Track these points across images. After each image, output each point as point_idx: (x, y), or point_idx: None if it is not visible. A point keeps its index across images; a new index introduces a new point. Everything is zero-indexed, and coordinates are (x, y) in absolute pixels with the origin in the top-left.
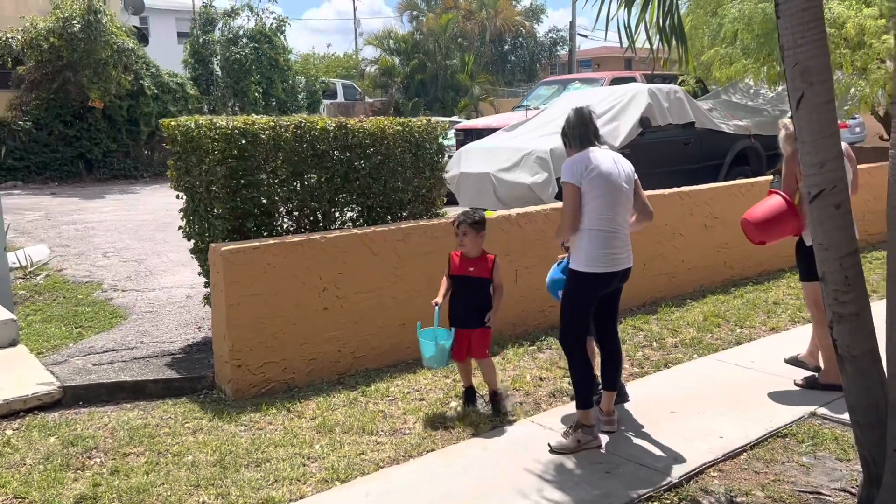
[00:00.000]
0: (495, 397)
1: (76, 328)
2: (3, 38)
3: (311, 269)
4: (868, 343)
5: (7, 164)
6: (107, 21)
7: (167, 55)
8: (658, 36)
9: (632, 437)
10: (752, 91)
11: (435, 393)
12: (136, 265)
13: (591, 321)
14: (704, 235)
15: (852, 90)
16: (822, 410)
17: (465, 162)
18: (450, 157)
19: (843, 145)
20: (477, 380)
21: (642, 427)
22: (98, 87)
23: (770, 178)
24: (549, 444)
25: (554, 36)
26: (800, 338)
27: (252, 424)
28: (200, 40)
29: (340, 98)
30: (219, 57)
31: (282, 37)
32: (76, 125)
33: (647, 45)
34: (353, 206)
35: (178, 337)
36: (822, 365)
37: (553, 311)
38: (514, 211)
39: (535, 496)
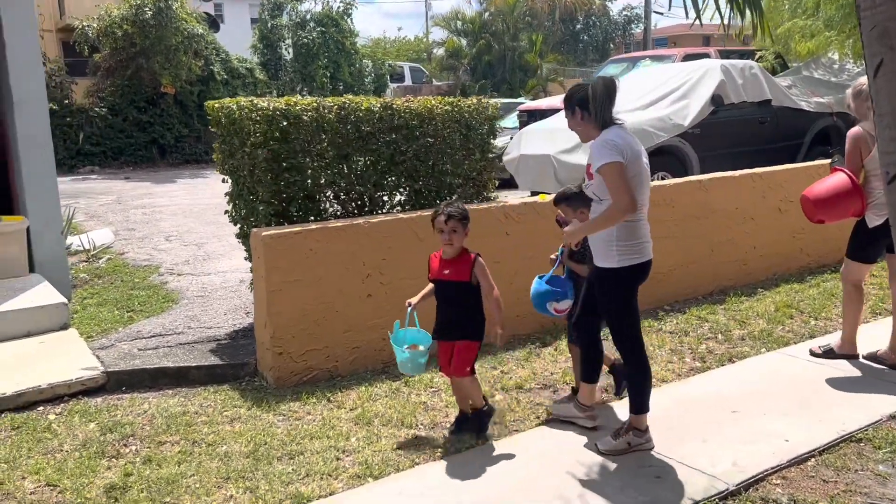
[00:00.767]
0: (478, 414)
1: (127, 312)
2: (81, 27)
3: (355, 255)
4: None
5: (85, 149)
6: (177, 7)
7: (241, 41)
8: (730, 6)
9: (687, 439)
10: (835, 66)
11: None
12: (196, 249)
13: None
14: (778, 220)
15: None
16: None
17: (525, 144)
18: (510, 139)
19: None
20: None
21: (699, 427)
22: (169, 72)
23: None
24: (596, 445)
25: (628, 14)
26: (880, 332)
27: (290, 414)
28: (269, 25)
29: (408, 81)
30: (287, 41)
31: (348, 20)
32: (149, 111)
33: (718, 19)
34: (401, 189)
35: (225, 322)
36: None
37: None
38: None
39: (577, 501)
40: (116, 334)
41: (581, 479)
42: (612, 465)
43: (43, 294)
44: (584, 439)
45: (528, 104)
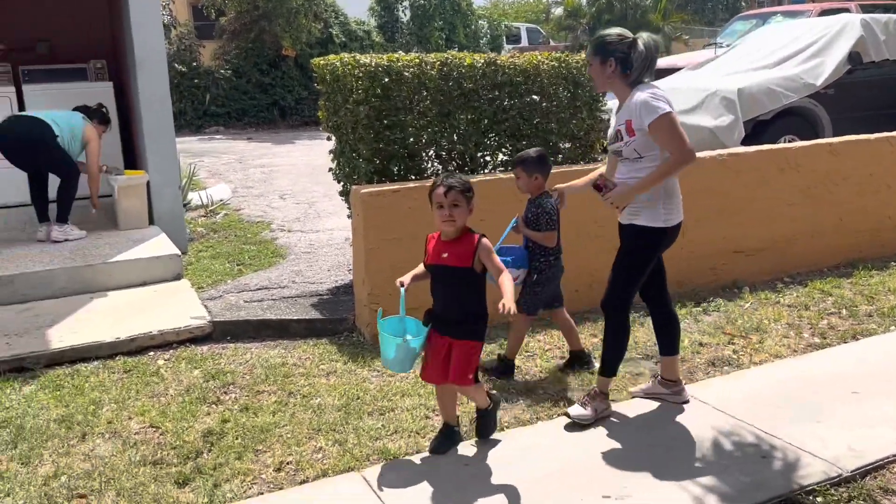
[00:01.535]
0: (483, 414)
1: (237, 265)
2: None
3: None
4: None
5: (210, 110)
6: None
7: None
8: None
9: (799, 419)
10: None
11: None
12: (307, 207)
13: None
14: None
15: None
16: None
17: None
18: None
19: None
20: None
21: (813, 407)
22: (290, 35)
23: None
24: (567, 414)
25: None
26: None
27: (382, 372)
28: None
29: (524, 42)
30: (404, 3)
31: None
32: (271, 73)
33: None
34: (503, 149)
35: (328, 278)
36: None
37: (725, 269)
38: None
39: (670, 477)
40: (225, 286)
41: (681, 454)
42: (712, 442)
43: (159, 245)
44: (684, 412)
45: None
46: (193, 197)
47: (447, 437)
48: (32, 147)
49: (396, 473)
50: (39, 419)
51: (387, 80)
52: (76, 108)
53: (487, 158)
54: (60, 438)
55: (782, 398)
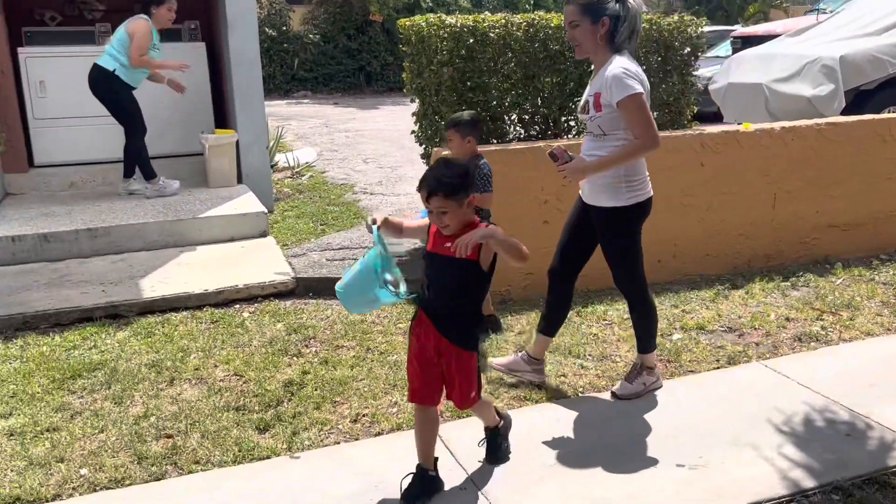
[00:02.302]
0: (493, 436)
1: (321, 225)
2: None
3: (533, 179)
4: None
5: (299, 74)
6: None
7: None
8: None
9: (889, 398)
10: None
11: (658, 322)
12: (389, 171)
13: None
14: None
15: None
16: None
17: (735, 71)
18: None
19: None
20: (470, 428)
21: None
22: (377, 0)
23: None
24: (612, 392)
25: None
26: None
27: None
28: None
29: None
30: None
31: None
32: (358, 38)
33: None
34: None
35: (406, 240)
36: None
37: (817, 243)
38: (778, 124)
39: (748, 449)
40: (308, 244)
41: (760, 427)
42: (795, 417)
43: (247, 203)
44: (776, 387)
45: (744, 29)
46: (280, 159)
47: (423, 484)
48: (96, 95)
49: (466, 430)
50: (131, 363)
51: (472, 40)
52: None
53: (572, 123)
54: (150, 382)
55: (873, 377)
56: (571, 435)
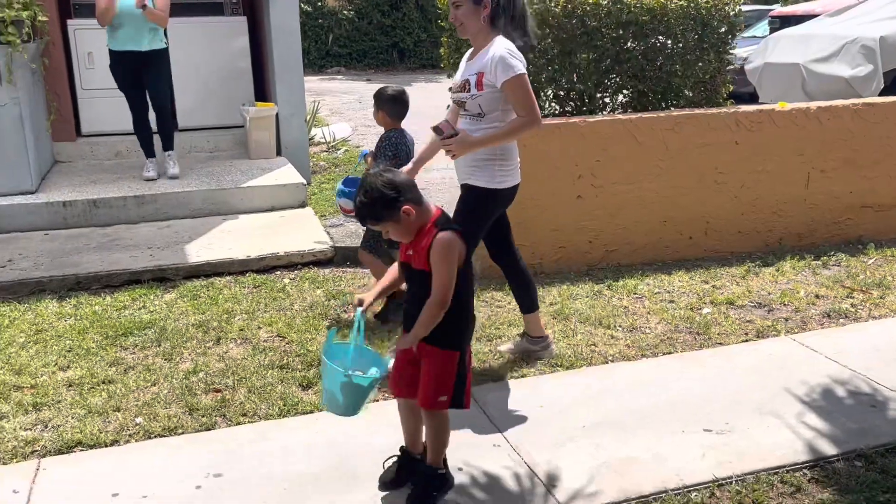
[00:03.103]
0: (420, 477)
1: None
2: None
3: (568, 155)
4: None
5: (333, 50)
6: None
7: None
8: None
9: None
10: None
11: (688, 297)
12: (423, 146)
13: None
14: None
15: None
16: None
17: (772, 51)
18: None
19: None
20: (504, 391)
21: None
22: None
23: None
24: (499, 350)
25: None
26: None
27: (492, 302)
28: None
29: None
30: None
31: None
32: (392, 15)
33: None
34: (624, 91)
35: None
36: None
37: (850, 223)
38: (814, 104)
39: (773, 417)
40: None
41: (786, 397)
42: (820, 388)
43: (286, 174)
44: (802, 359)
45: (782, 9)
46: (316, 133)
47: (403, 469)
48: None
49: (500, 393)
50: (179, 323)
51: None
52: None
53: (607, 100)
54: (198, 340)
55: None
56: (602, 400)
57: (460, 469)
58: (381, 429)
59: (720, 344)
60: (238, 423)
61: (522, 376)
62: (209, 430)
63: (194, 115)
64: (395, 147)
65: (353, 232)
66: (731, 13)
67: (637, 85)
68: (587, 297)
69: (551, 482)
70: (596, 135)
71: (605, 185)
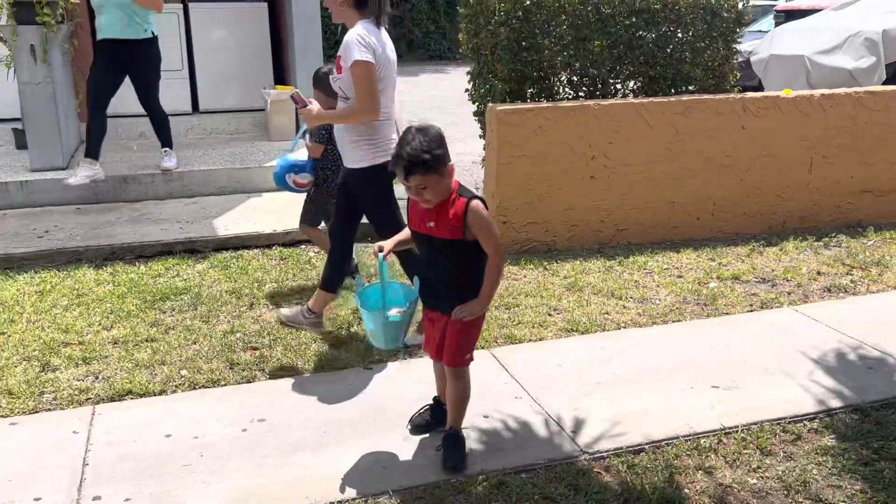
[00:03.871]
0: (450, 438)
1: None
2: None
3: (582, 136)
4: None
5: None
6: None
7: None
8: None
9: None
10: None
11: (695, 273)
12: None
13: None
14: None
15: None
16: None
17: (777, 43)
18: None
19: None
20: (524, 352)
21: None
22: None
23: None
24: (280, 314)
25: None
26: None
27: (509, 275)
28: None
29: None
30: None
31: None
32: (400, 6)
33: None
34: (636, 77)
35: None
36: None
37: (851, 207)
38: (817, 91)
39: (778, 375)
40: None
41: (789, 361)
42: (822, 352)
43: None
44: (803, 328)
45: (787, 4)
46: None
47: (434, 416)
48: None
49: (520, 354)
50: (213, 289)
51: (528, 2)
52: None
53: (618, 86)
54: (232, 305)
55: None
56: (616, 361)
57: (486, 416)
58: (408, 383)
59: (726, 314)
60: (277, 377)
61: (541, 338)
62: (250, 382)
63: (216, 98)
64: (328, 126)
65: None
66: (740, 3)
67: (648, 71)
68: (599, 271)
69: (571, 428)
70: (608, 117)
71: (616, 166)
